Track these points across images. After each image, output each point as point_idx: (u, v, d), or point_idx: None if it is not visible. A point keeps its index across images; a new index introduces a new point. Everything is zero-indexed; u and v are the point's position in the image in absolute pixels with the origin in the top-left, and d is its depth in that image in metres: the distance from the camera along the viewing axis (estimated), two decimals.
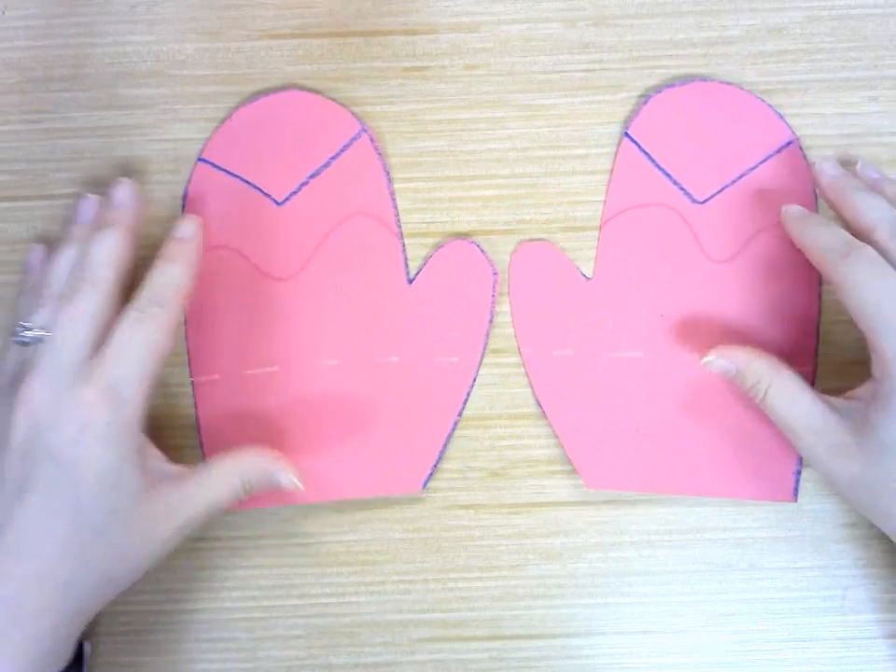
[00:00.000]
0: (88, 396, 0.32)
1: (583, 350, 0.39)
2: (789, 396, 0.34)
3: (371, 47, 0.41)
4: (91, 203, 0.37)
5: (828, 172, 0.37)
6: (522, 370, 0.39)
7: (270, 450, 0.36)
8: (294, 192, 0.39)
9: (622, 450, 0.38)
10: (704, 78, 0.40)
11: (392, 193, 0.40)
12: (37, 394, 0.32)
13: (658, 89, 0.40)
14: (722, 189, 0.39)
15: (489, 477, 0.39)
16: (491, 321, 0.39)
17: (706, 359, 0.36)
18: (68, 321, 0.33)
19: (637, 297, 0.39)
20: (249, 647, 0.38)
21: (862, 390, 0.34)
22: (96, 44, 0.41)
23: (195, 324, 0.39)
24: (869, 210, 0.34)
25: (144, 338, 0.33)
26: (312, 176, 0.39)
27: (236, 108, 0.40)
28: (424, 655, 0.38)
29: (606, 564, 0.38)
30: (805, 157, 0.39)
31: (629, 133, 0.40)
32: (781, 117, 0.40)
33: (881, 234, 0.33)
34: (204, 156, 0.40)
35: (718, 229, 0.39)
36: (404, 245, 0.39)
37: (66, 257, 0.35)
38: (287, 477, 0.36)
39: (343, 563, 0.38)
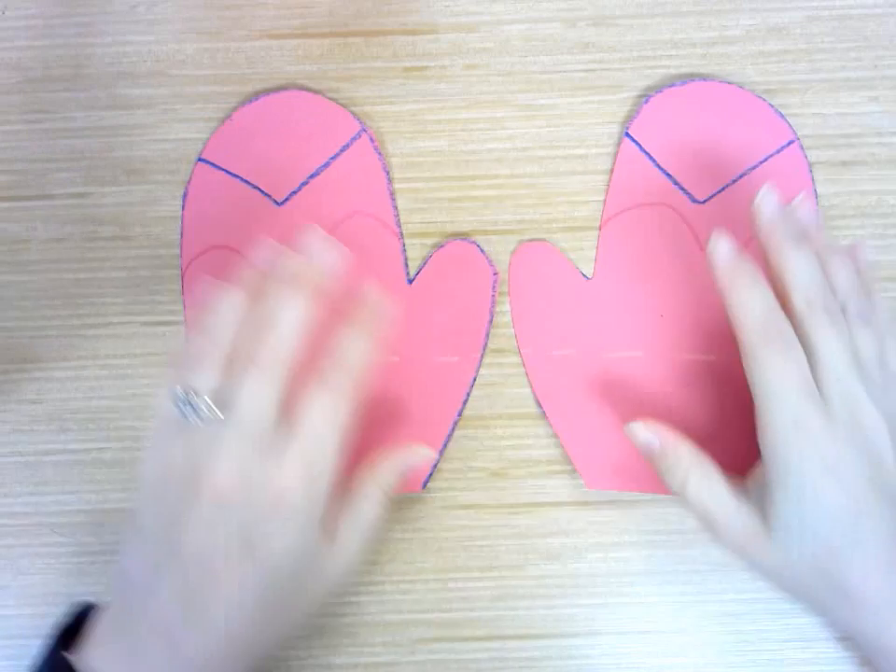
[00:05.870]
0: (283, 477, 0.31)
1: (583, 350, 0.39)
2: (709, 485, 0.34)
3: (371, 47, 0.41)
4: (276, 252, 0.33)
5: (765, 212, 0.35)
6: (522, 370, 0.39)
7: (388, 450, 0.36)
8: (294, 192, 0.39)
9: (622, 450, 0.38)
10: (704, 78, 0.40)
11: (392, 193, 0.40)
12: (228, 474, 0.31)
13: (658, 89, 0.40)
14: (723, 188, 0.39)
15: (489, 477, 0.39)
16: (491, 321, 0.39)
17: (631, 426, 0.35)
18: (254, 397, 0.31)
19: (637, 297, 0.39)
20: None
21: (760, 471, 0.33)
22: (96, 44, 0.41)
23: (195, 324, 0.39)
24: (791, 270, 0.33)
25: (335, 413, 0.32)
26: (312, 176, 0.39)
27: (236, 108, 0.40)
28: (424, 655, 0.38)
29: (606, 564, 0.38)
30: (805, 156, 0.39)
31: (630, 132, 0.40)
32: (782, 116, 0.40)
33: (797, 300, 0.33)
34: (204, 156, 0.40)
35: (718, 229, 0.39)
36: (404, 245, 0.39)
37: (234, 310, 0.32)
38: (416, 454, 0.36)
39: None
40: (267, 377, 0.31)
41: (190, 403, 0.31)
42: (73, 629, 0.33)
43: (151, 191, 0.40)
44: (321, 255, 0.33)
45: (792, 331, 0.32)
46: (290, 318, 0.32)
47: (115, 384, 0.39)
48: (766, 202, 0.35)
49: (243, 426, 0.31)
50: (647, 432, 0.35)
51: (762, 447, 0.33)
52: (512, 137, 0.40)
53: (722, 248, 0.34)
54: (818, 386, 0.32)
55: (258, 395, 0.31)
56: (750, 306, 0.33)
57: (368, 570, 0.38)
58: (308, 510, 0.32)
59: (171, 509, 0.31)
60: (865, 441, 0.32)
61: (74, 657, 0.32)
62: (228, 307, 0.33)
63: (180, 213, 0.40)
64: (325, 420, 0.32)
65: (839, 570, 0.32)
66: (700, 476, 0.34)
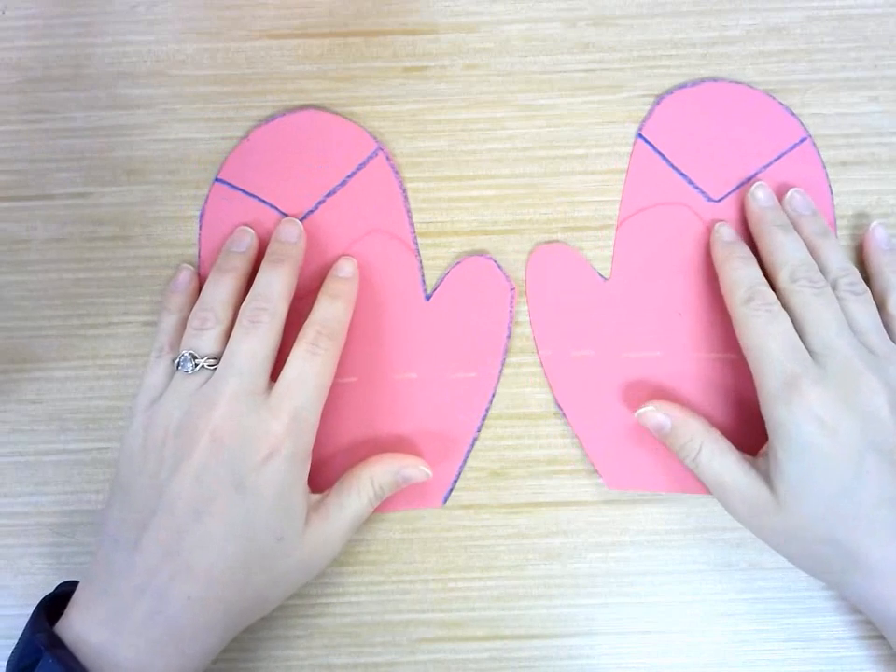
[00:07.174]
0: (275, 426, 0.33)
1: (602, 350, 0.39)
2: (721, 455, 0.35)
3: (371, 47, 0.41)
4: (248, 235, 0.38)
5: (758, 199, 0.38)
6: (522, 370, 0.39)
7: (393, 453, 0.38)
8: (311, 211, 0.39)
9: (642, 450, 0.38)
10: (714, 79, 0.40)
11: (408, 211, 0.40)
12: (223, 422, 0.33)
13: (670, 90, 0.40)
14: (738, 186, 0.39)
15: (489, 477, 0.39)
16: (509, 336, 0.39)
17: (641, 410, 0.36)
18: (251, 351, 0.34)
19: (655, 296, 0.39)
20: (250, 647, 0.38)
21: (767, 444, 0.35)
22: (96, 44, 0.41)
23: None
24: (778, 250, 0.36)
25: (318, 370, 0.35)
26: (328, 195, 0.40)
27: (253, 129, 0.40)
28: (424, 655, 0.38)
29: (606, 564, 0.38)
30: (818, 153, 0.40)
31: (642, 133, 0.40)
32: (793, 114, 0.40)
33: (783, 276, 0.36)
34: (221, 176, 0.40)
35: (733, 226, 0.39)
36: (421, 262, 0.39)
37: (226, 285, 0.36)
38: (417, 470, 0.37)
39: (342, 563, 0.38)
40: (261, 335, 0.34)
41: (195, 362, 0.34)
42: (60, 602, 0.34)
43: (151, 191, 0.40)
44: (291, 233, 0.38)
45: (777, 301, 0.35)
46: (280, 282, 0.36)
47: (115, 384, 0.39)
48: (758, 192, 0.38)
49: (241, 378, 0.34)
50: (658, 414, 0.36)
51: (763, 415, 0.34)
52: (512, 137, 0.40)
53: (724, 231, 0.38)
54: (810, 352, 0.34)
55: (253, 351, 0.34)
56: (739, 279, 0.36)
57: (368, 570, 0.39)
58: (294, 457, 0.34)
59: (164, 463, 0.33)
60: (861, 402, 0.33)
61: (58, 625, 0.32)
62: (216, 285, 0.36)
63: (181, 214, 0.40)
64: (308, 377, 0.34)
65: (846, 535, 0.33)
66: (711, 447, 0.35)
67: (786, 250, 0.36)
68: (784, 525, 0.34)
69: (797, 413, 0.33)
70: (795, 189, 0.38)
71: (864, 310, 0.35)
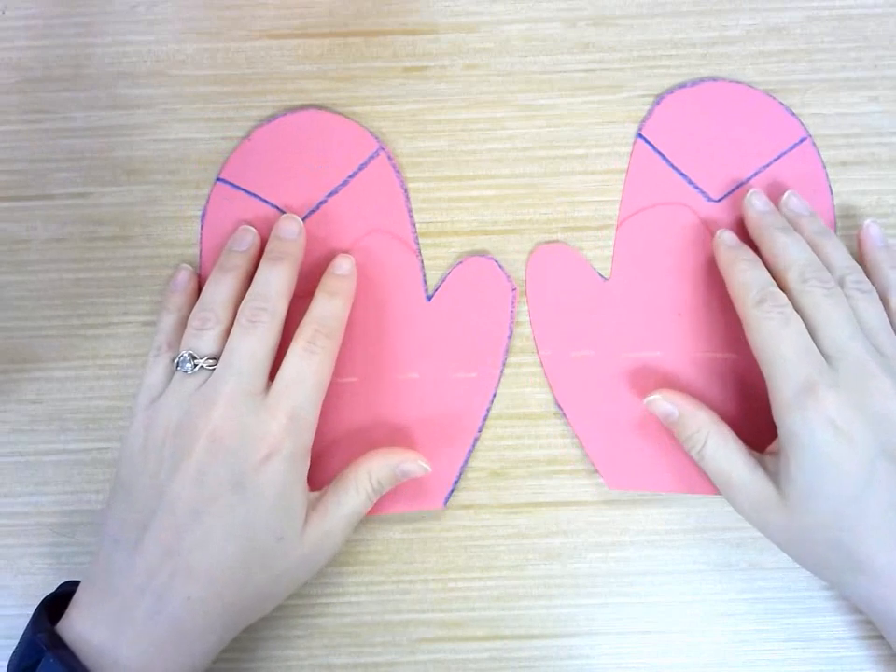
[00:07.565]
0: (273, 426, 0.33)
1: (602, 351, 0.39)
2: (726, 448, 0.35)
3: (370, 47, 0.41)
4: (250, 234, 0.38)
5: (755, 206, 0.38)
6: (522, 370, 0.39)
7: (391, 448, 0.37)
8: (312, 211, 0.39)
9: (643, 450, 0.38)
10: (714, 78, 0.40)
11: (410, 211, 0.40)
12: (222, 423, 0.33)
13: (670, 89, 0.40)
14: (737, 186, 0.39)
15: (489, 477, 0.39)
16: (510, 336, 0.39)
17: (650, 398, 0.36)
18: (250, 351, 0.34)
19: (655, 296, 0.39)
20: (250, 647, 0.38)
21: (777, 443, 0.35)
22: (96, 44, 0.41)
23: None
24: (783, 251, 0.36)
25: (316, 368, 0.35)
26: (330, 195, 0.40)
27: (255, 129, 0.40)
28: (424, 655, 0.38)
29: (606, 564, 0.38)
30: (818, 153, 0.39)
31: (642, 133, 0.40)
32: (793, 114, 0.40)
33: (792, 277, 0.35)
34: (223, 175, 0.40)
35: (733, 227, 0.39)
36: (422, 263, 0.39)
37: (227, 285, 0.36)
38: (415, 464, 0.36)
39: (342, 563, 0.38)
40: (260, 335, 0.34)
41: (195, 362, 0.34)
42: (61, 602, 0.34)
43: (151, 191, 0.40)
44: (289, 230, 0.38)
45: (789, 303, 0.34)
46: (278, 281, 0.36)
47: (115, 384, 0.39)
48: (753, 199, 0.38)
49: (239, 378, 0.34)
50: (666, 402, 0.36)
51: (774, 418, 0.34)
52: (512, 137, 0.40)
53: (727, 236, 0.37)
54: (822, 354, 0.33)
55: (252, 351, 0.34)
56: (748, 281, 0.35)
57: (368, 570, 0.39)
58: (293, 456, 0.34)
59: (164, 463, 0.33)
60: (873, 406, 0.33)
61: (59, 624, 0.32)
62: (216, 284, 0.36)
63: (181, 214, 0.40)
64: (306, 375, 0.34)
65: (852, 538, 0.33)
66: (717, 439, 0.35)
67: (791, 251, 0.36)
68: (789, 524, 0.34)
69: (812, 420, 0.32)
70: (790, 191, 0.38)
71: (872, 309, 0.35)
